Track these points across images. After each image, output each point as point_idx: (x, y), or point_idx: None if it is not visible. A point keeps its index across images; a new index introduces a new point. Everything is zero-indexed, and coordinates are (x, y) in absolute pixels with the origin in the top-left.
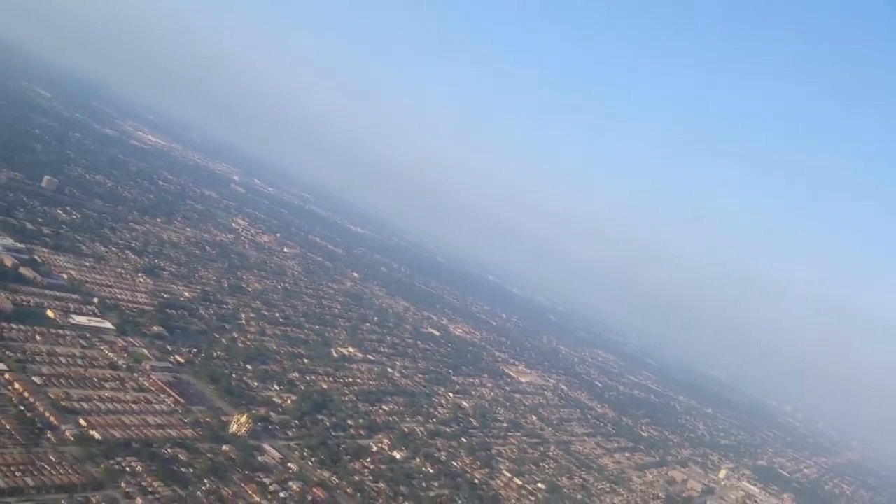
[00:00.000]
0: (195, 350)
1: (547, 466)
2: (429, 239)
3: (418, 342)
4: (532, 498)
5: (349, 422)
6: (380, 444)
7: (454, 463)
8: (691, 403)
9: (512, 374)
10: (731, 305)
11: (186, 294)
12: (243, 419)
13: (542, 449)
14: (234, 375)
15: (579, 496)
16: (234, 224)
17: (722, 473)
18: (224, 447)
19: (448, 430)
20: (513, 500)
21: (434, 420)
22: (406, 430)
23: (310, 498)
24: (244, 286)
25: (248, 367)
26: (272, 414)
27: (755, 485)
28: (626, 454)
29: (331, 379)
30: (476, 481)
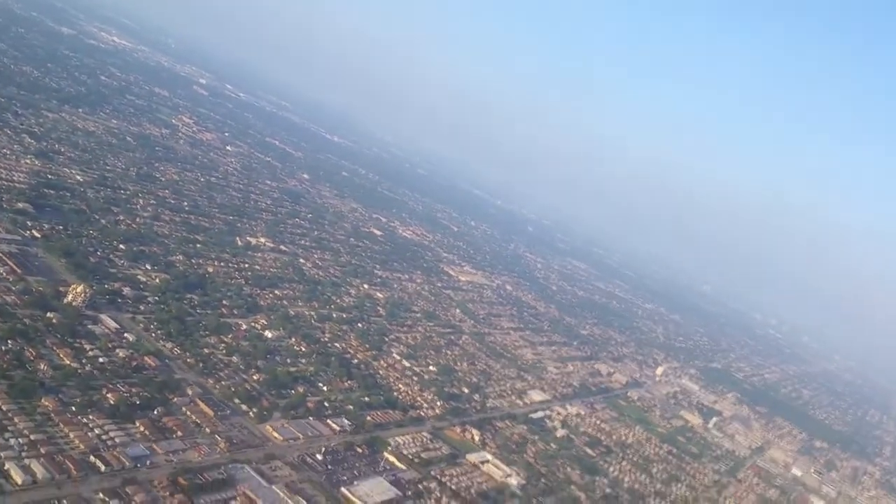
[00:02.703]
0: (60, 227)
1: (450, 353)
2: (418, 154)
3: (351, 239)
4: (415, 378)
5: (224, 302)
6: (253, 324)
7: (337, 345)
8: (659, 311)
9: (452, 272)
10: (734, 224)
11: (78, 178)
12: (79, 289)
13: (452, 338)
14: (98, 253)
15: (474, 379)
16: (174, 121)
17: (659, 370)
18: (49, 314)
19: (345, 316)
20: (391, 379)
21: (332, 307)
22: (293, 313)
23: (134, 363)
24: (156, 176)
25: (122, 247)
26: (126, 289)
27: (697, 383)
28: (553, 348)
29: (221, 264)
30: (354, 361)
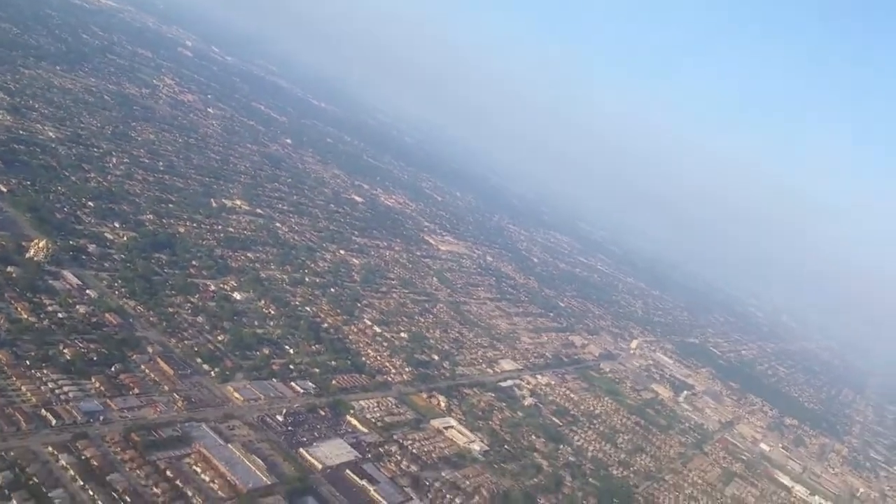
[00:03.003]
0: (28, 183)
1: (423, 320)
2: (408, 123)
3: (331, 205)
4: (385, 344)
5: (193, 262)
6: (222, 285)
7: (307, 308)
8: (640, 286)
9: (432, 241)
10: (732, 210)
11: (51, 134)
12: (42, 244)
13: (426, 306)
14: (65, 209)
15: (446, 347)
16: (156, 81)
17: (634, 343)
18: (9, 269)
19: (319, 281)
20: (360, 345)
21: (306, 271)
22: (264, 276)
23: (94, 320)
24: (133, 135)
25: (91, 204)
26: (92, 246)
27: (671, 357)
28: (529, 319)
29: (193, 225)
30: (324, 325)
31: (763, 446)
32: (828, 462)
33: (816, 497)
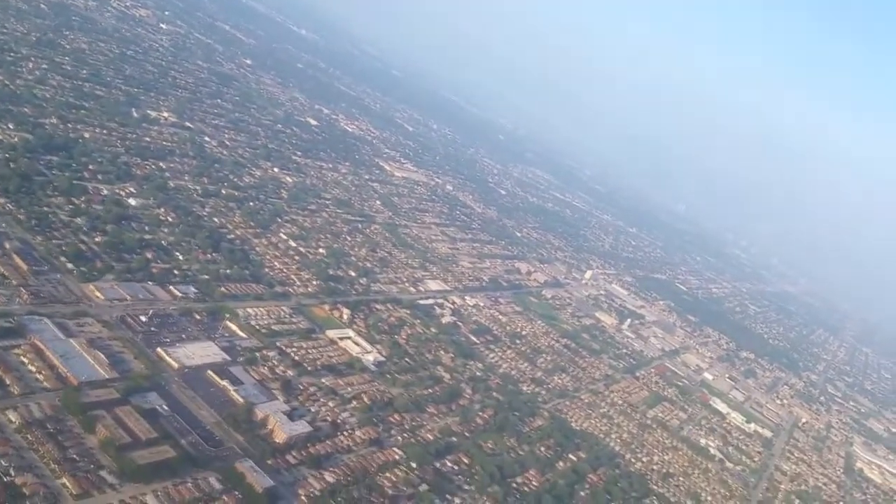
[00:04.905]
0: None
1: (350, 239)
2: (403, 58)
3: (278, 125)
4: (297, 258)
5: (90, 166)
6: (117, 191)
7: (215, 220)
8: (617, 223)
9: (387, 167)
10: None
11: None
12: None
13: (359, 226)
14: None
15: (369, 265)
16: None
17: (588, 274)
18: None
19: (237, 194)
20: (268, 257)
21: (225, 184)
22: (172, 185)
23: None
24: (61, 43)
25: None
26: None
27: (627, 289)
28: (475, 245)
29: (103, 132)
30: (230, 237)
31: (707, 375)
32: (777, 394)
33: (752, 424)
